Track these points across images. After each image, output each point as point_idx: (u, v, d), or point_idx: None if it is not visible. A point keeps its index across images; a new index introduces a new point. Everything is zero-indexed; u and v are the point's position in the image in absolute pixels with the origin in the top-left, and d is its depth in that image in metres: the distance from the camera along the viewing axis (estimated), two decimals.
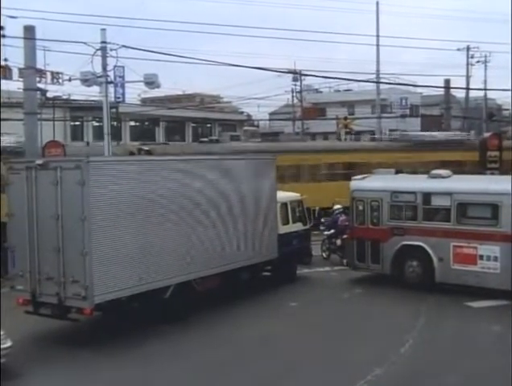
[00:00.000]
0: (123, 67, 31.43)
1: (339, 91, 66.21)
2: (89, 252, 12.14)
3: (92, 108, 38.40)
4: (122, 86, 44.38)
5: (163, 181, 14.04)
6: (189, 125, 55.16)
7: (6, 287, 15.04)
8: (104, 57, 22.28)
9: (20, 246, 13.19)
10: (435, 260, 16.68)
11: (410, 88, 51.31)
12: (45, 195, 12.76)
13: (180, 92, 68.28)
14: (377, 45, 43.42)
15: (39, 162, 13.21)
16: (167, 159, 15.71)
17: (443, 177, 17.65)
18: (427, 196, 17.05)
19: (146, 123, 49.68)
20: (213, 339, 13.18)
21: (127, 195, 13.07)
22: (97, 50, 21.96)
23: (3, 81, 29.63)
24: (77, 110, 43.56)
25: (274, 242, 17.43)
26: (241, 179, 16.44)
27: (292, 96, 62.86)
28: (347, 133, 42.65)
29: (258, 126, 78.28)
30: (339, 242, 20.95)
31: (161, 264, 13.73)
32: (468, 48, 53.13)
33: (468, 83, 52.11)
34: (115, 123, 34.63)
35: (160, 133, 51.00)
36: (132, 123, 49.47)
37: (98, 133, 37.86)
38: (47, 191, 12.70)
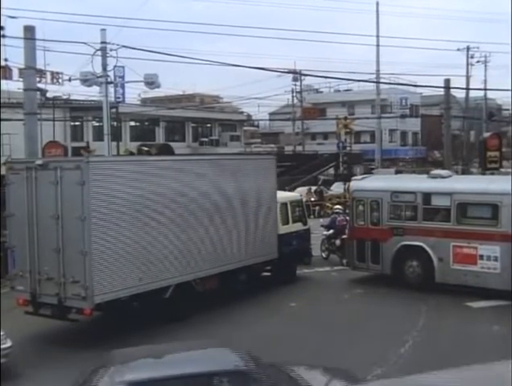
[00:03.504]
0: (123, 67, 31.53)
1: (339, 91, 66.32)
2: (89, 252, 12.15)
3: (92, 109, 38.43)
4: (122, 86, 44.65)
5: (163, 181, 14.03)
6: (189, 125, 55.20)
7: (6, 287, 15.04)
8: (104, 57, 22.31)
9: (20, 246, 13.19)
10: (435, 260, 16.66)
11: (410, 88, 51.39)
12: (45, 195, 12.76)
13: (180, 92, 68.41)
14: (378, 45, 43.51)
15: (39, 162, 13.23)
16: (166, 159, 15.71)
17: (443, 177, 17.64)
18: (427, 196, 17.02)
19: (146, 123, 49.70)
20: (213, 339, 13.14)
21: (127, 195, 13.06)
22: (97, 50, 21.99)
23: (3, 81, 29.72)
24: (77, 110, 43.56)
25: (273, 242, 17.41)
26: (242, 179, 16.40)
27: (292, 96, 63.02)
28: (347, 133, 42.68)
29: (258, 126, 78.44)
30: (338, 242, 20.94)
31: (161, 264, 13.73)
32: (468, 48, 53.31)
33: (468, 83, 52.21)
34: (115, 123, 34.63)
35: (160, 134, 51.04)
36: (132, 123, 49.49)
37: (98, 134, 37.89)
38: (47, 191, 12.70)
